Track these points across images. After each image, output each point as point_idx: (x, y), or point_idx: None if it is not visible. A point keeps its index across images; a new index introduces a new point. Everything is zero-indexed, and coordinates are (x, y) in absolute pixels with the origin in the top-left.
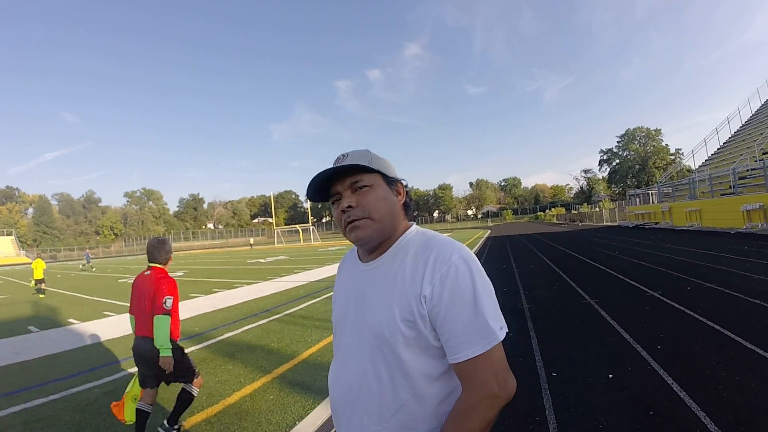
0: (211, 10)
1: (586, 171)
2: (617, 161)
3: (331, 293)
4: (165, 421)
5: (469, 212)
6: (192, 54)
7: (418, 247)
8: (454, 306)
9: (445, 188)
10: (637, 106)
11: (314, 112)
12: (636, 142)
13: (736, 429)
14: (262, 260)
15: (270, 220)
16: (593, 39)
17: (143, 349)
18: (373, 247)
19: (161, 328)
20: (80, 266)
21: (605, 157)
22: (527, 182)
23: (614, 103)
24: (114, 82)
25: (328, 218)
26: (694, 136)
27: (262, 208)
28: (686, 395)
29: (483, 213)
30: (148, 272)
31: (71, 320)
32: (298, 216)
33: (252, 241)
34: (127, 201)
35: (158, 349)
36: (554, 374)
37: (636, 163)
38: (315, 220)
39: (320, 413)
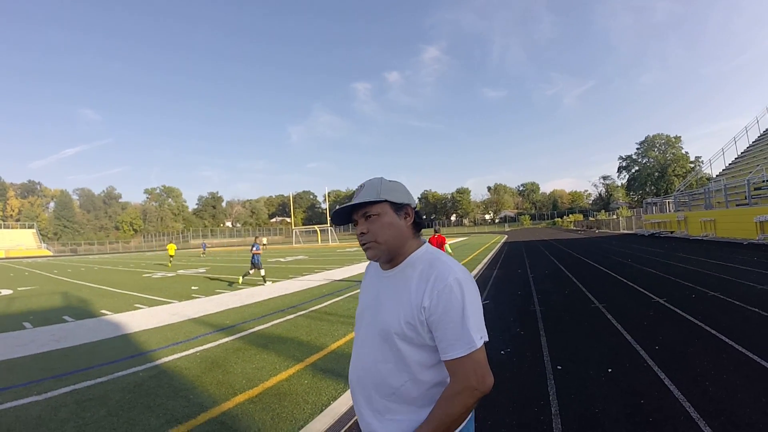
0: (228, 19)
1: (605, 177)
2: (636, 168)
3: (353, 291)
4: None
5: (487, 216)
6: (212, 61)
7: (424, 265)
8: (446, 316)
9: (463, 192)
10: (657, 113)
11: (332, 113)
12: (655, 149)
13: (715, 417)
14: (282, 259)
15: (288, 219)
16: (611, 44)
17: None
18: (387, 259)
19: (447, 248)
20: (200, 255)
21: (624, 164)
22: (546, 188)
23: (634, 108)
24: (136, 86)
25: None
26: (715, 144)
27: (280, 207)
28: (675, 389)
29: (501, 217)
30: (436, 236)
31: (104, 311)
32: (315, 216)
33: (265, 240)
34: (147, 198)
35: None
36: (559, 367)
37: (655, 171)
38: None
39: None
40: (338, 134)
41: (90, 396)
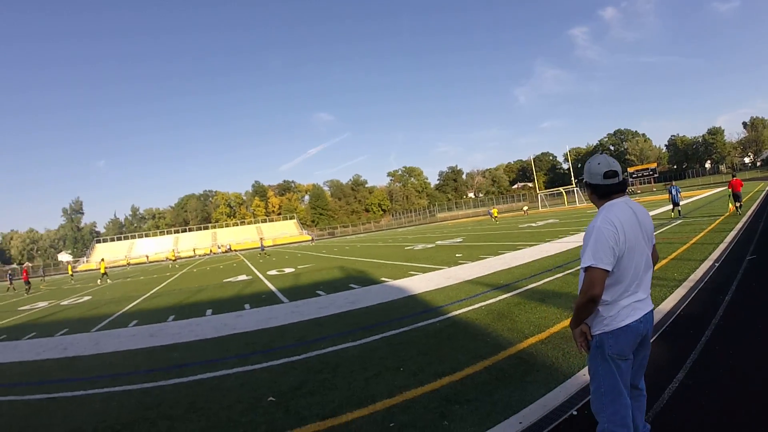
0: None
1: None
2: None
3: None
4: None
5: (746, 160)
6: (430, 44)
7: None
8: None
9: (715, 133)
10: None
11: (555, 67)
12: None
13: None
14: (533, 224)
15: (530, 184)
16: None
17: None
18: None
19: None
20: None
21: None
22: None
23: None
24: (361, 87)
25: None
26: None
27: (520, 173)
28: None
29: (762, 159)
30: (734, 179)
31: (384, 279)
32: (558, 177)
33: (526, 207)
34: (391, 179)
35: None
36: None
37: None
38: (577, 181)
39: None
40: (566, 88)
41: (399, 341)
